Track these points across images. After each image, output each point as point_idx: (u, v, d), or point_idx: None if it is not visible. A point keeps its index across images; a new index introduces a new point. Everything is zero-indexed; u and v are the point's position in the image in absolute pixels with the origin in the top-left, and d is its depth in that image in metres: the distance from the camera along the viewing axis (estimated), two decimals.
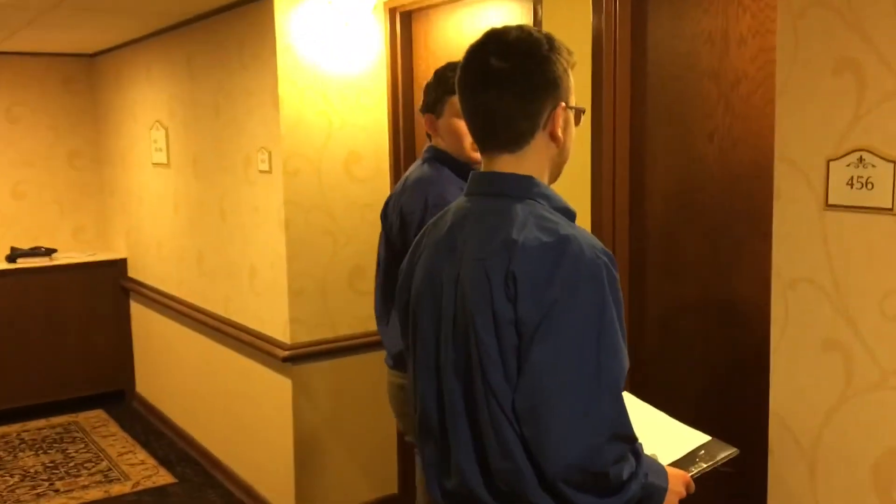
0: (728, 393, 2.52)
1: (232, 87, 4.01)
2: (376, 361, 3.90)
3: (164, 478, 4.48)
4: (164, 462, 4.69)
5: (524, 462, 1.39)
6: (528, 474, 1.39)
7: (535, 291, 1.36)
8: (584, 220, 2.81)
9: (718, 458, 1.67)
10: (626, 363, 1.41)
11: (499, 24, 1.57)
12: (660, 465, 1.52)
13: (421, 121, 3.73)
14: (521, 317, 1.37)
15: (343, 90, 3.72)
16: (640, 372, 2.78)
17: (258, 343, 3.89)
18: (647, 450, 1.57)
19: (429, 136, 2.65)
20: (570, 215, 1.52)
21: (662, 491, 1.48)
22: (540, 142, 1.51)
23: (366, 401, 3.92)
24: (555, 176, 1.59)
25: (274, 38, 3.55)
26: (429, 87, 2.56)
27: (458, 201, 1.60)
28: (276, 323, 3.79)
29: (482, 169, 1.57)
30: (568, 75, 1.52)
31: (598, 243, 1.42)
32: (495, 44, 1.51)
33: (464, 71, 1.54)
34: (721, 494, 2.36)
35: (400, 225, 2.44)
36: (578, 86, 2.74)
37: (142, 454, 4.83)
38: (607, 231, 2.81)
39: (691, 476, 1.61)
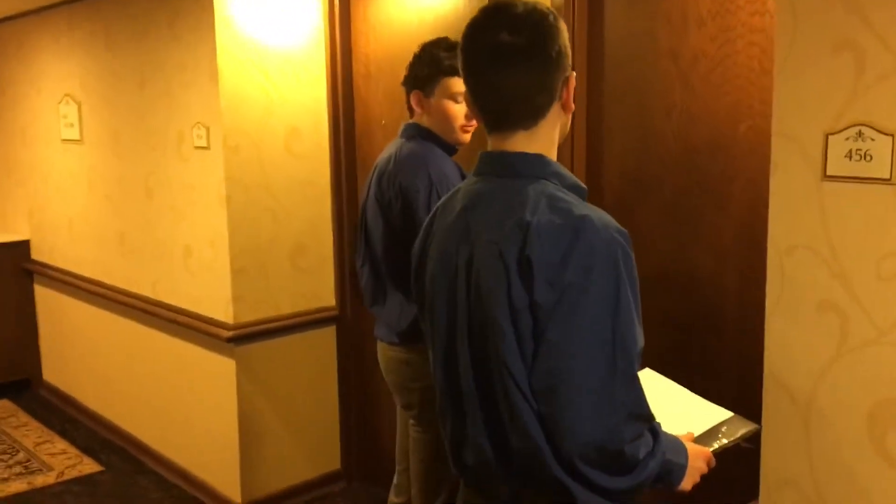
0: (688, 360, 2.65)
1: (161, 60, 3.86)
2: (319, 339, 3.90)
3: (89, 466, 4.32)
4: (87, 450, 4.52)
5: (542, 441, 1.40)
6: (547, 452, 1.40)
7: (551, 274, 1.36)
8: None
9: (739, 434, 1.74)
10: (642, 341, 1.43)
11: None
12: (679, 441, 1.55)
13: (363, 96, 3.72)
14: (536, 299, 1.37)
15: (282, 65, 3.65)
16: None
17: (196, 324, 3.80)
18: (669, 426, 1.61)
19: (410, 111, 2.63)
20: (580, 192, 1.52)
21: (681, 468, 1.51)
22: (554, 114, 1.51)
23: (308, 378, 3.90)
24: (562, 141, 1.59)
25: (212, 9, 3.44)
26: (417, 63, 2.54)
27: (468, 181, 1.58)
28: (216, 303, 3.70)
29: (489, 148, 1.55)
30: (568, 43, 1.53)
31: (613, 221, 1.43)
32: (503, 17, 1.47)
33: (470, 51, 1.50)
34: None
35: (402, 205, 2.42)
36: None
37: (61, 443, 4.63)
38: None
39: (712, 451, 1.65)
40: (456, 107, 2.52)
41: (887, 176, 1.71)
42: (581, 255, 1.36)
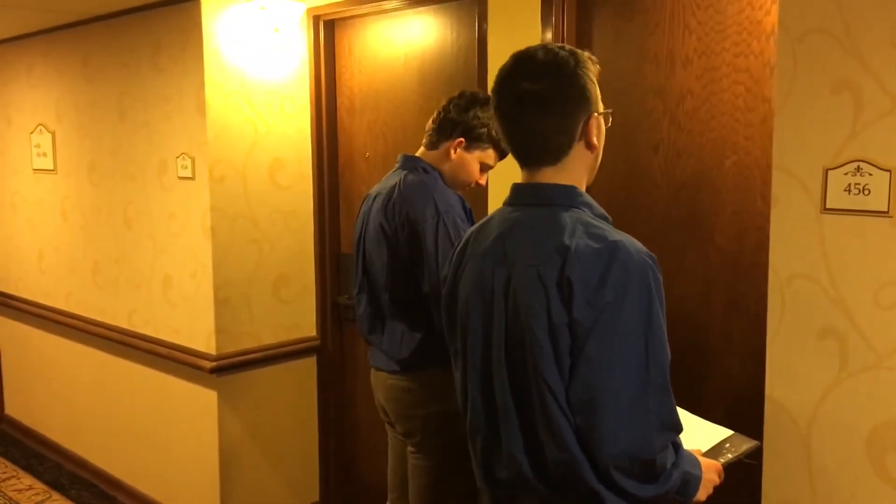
0: (675, 388, 2.72)
1: (143, 91, 3.86)
2: (299, 369, 3.90)
3: (59, 502, 4.22)
4: (55, 486, 4.42)
5: (579, 452, 1.49)
6: (583, 463, 1.50)
7: (589, 294, 1.46)
8: None
9: (743, 450, 1.84)
10: (669, 356, 1.54)
11: (527, 47, 1.65)
12: (693, 455, 1.66)
13: (346, 128, 3.77)
14: (575, 318, 1.47)
15: (268, 97, 3.68)
16: None
17: (176, 355, 3.77)
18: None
19: (433, 145, 2.62)
20: (608, 221, 1.63)
21: (697, 479, 1.62)
22: (577, 152, 1.63)
23: (289, 409, 3.89)
24: (592, 177, 1.71)
25: (201, 40, 3.47)
26: (476, 117, 2.55)
27: (503, 210, 1.69)
28: (197, 334, 3.68)
29: (523, 180, 1.67)
30: (595, 84, 1.63)
31: (642, 247, 1.54)
32: (525, 67, 1.61)
33: (499, 97, 1.64)
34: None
35: (409, 234, 2.45)
36: None
37: (27, 479, 4.52)
38: None
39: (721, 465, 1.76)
40: (479, 173, 2.64)
41: (885, 209, 1.81)
42: (617, 276, 1.46)
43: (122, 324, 4.17)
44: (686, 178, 2.70)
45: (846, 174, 1.86)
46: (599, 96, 1.64)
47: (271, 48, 3.64)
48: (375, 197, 2.64)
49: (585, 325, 1.46)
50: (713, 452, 1.83)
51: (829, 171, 1.88)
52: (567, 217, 1.55)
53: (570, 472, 1.51)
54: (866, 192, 1.83)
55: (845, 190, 1.86)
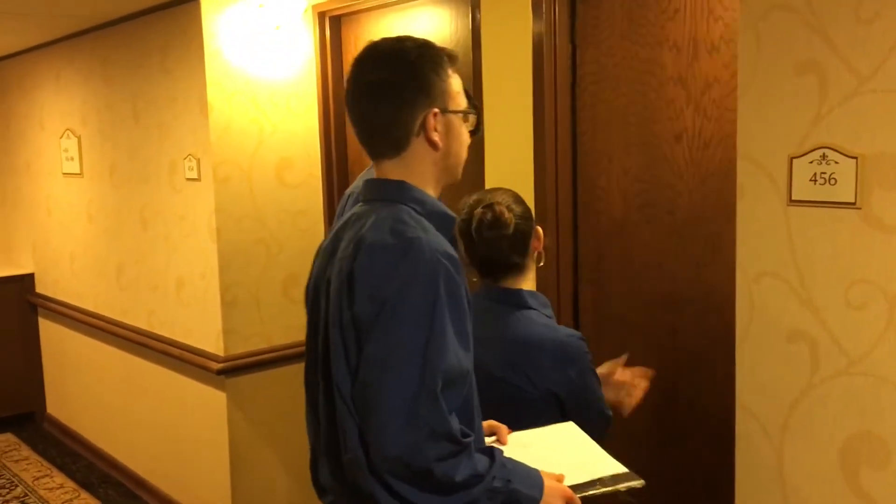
0: (699, 383, 2.55)
1: (154, 92, 3.88)
2: None
3: (86, 501, 4.29)
4: (85, 485, 4.49)
5: (361, 453, 1.44)
6: (363, 464, 1.44)
7: (372, 289, 1.42)
8: None
9: (619, 485, 1.67)
10: (462, 364, 1.44)
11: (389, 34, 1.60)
12: (536, 475, 1.55)
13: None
14: (356, 312, 1.42)
15: (273, 95, 3.65)
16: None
17: (188, 356, 3.77)
18: (557, 471, 1.61)
19: None
20: (445, 219, 1.57)
21: (531, 500, 1.51)
22: (418, 147, 1.55)
23: (300, 410, 3.84)
24: (448, 177, 1.62)
25: (201, 42, 3.46)
26: None
27: (355, 207, 1.65)
28: (207, 335, 3.68)
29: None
30: (444, 80, 1.55)
31: (445, 247, 1.46)
32: (368, 56, 1.56)
33: (346, 83, 1.59)
34: (696, 483, 2.42)
35: None
36: (520, 90, 2.79)
37: (59, 477, 4.61)
38: (551, 231, 2.84)
39: (583, 495, 1.62)
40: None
41: (852, 200, 1.65)
42: (403, 273, 1.41)
43: (143, 325, 4.20)
44: (713, 167, 2.53)
45: (811, 163, 1.70)
46: (455, 94, 1.57)
47: (274, 46, 3.61)
48: (349, 196, 2.57)
49: (366, 321, 1.41)
50: (587, 484, 1.67)
51: (794, 160, 1.73)
52: (386, 213, 1.51)
53: (356, 473, 1.46)
54: (832, 181, 1.68)
55: (811, 180, 1.71)
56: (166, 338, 3.98)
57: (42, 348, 5.47)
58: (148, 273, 4.12)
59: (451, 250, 1.47)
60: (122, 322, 4.38)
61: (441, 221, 1.55)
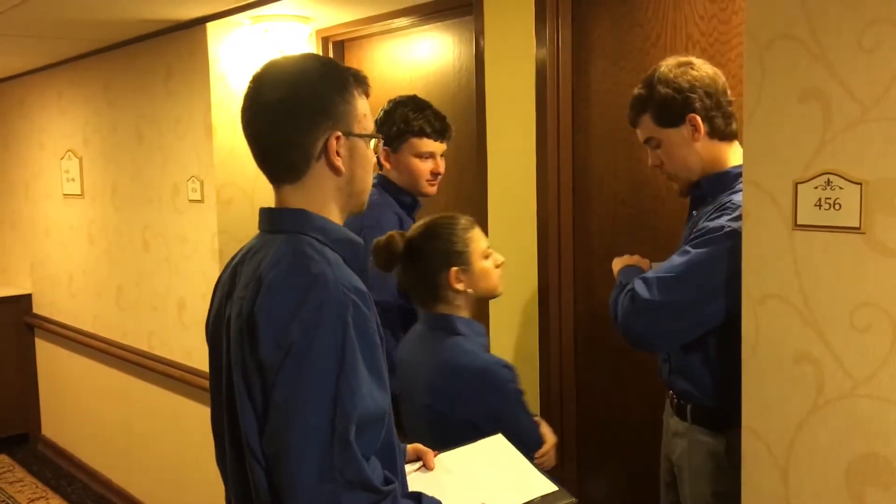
0: None
1: (157, 114, 3.91)
2: None
3: None
4: None
5: None
6: None
7: (277, 333, 1.31)
8: (530, 244, 2.87)
9: None
10: (378, 404, 1.37)
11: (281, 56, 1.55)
12: None
13: None
14: (262, 358, 1.32)
15: None
16: (587, 393, 2.86)
17: (188, 377, 3.78)
18: (489, 494, 1.58)
19: (379, 164, 2.69)
20: (352, 246, 1.49)
21: None
22: (319, 172, 1.46)
23: None
24: (353, 205, 1.55)
25: (207, 65, 3.50)
26: (387, 121, 2.61)
27: (253, 238, 1.55)
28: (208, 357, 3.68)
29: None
30: (348, 103, 1.47)
31: (353, 280, 1.38)
32: (267, 73, 1.48)
33: (243, 100, 1.50)
34: None
35: None
36: (524, 112, 2.83)
37: (55, 499, 4.59)
38: (553, 252, 2.87)
39: None
40: (422, 164, 2.67)
41: (856, 224, 1.68)
42: (308, 313, 1.31)
43: (143, 346, 4.21)
44: None
45: (816, 188, 1.74)
46: (360, 116, 1.49)
47: None
48: None
49: (273, 367, 1.31)
50: None
51: (799, 185, 1.76)
52: (284, 245, 1.40)
53: None
54: (837, 206, 1.71)
55: (816, 205, 1.74)
56: (166, 359, 3.99)
57: (38, 369, 5.46)
58: (149, 294, 4.13)
59: (359, 283, 1.38)
60: (121, 343, 4.38)
61: (348, 248, 1.48)
